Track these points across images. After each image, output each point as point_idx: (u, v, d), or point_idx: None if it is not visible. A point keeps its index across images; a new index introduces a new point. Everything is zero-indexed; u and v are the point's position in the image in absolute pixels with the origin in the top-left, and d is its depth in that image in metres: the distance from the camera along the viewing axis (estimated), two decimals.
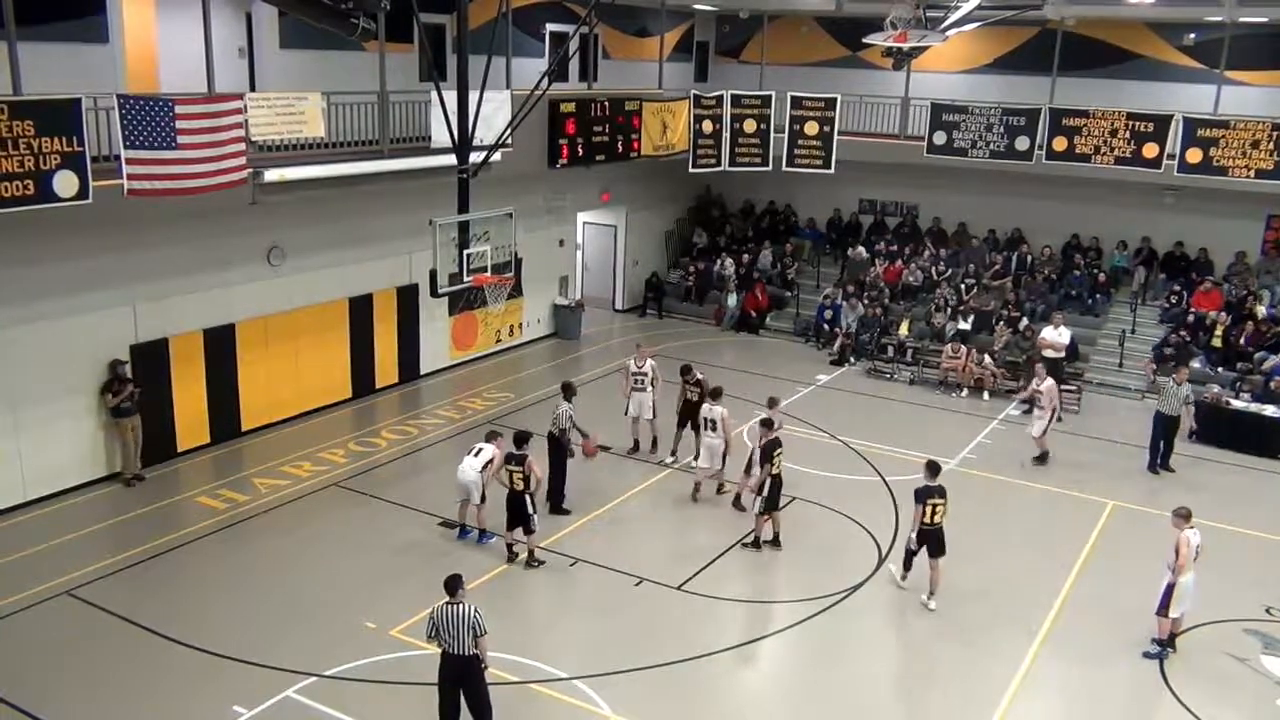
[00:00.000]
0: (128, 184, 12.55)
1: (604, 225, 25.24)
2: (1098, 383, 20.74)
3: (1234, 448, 17.67)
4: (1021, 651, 11.46)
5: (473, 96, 13.95)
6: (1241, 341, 20.07)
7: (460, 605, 9.20)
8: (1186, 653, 11.49)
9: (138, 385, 14.68)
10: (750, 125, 22.99)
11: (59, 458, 14.27)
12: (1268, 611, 12.48)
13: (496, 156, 15.48)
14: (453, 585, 9.32)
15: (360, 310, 18.40)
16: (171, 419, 15.59)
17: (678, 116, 22.50)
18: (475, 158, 14.38)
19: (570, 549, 13.39)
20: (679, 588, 12.57)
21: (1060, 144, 21.19)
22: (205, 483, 15.04)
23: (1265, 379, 18.91)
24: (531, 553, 12.97)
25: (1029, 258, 23.49)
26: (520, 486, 12.59)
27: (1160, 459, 16.81)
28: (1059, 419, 18.71)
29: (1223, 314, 20.60)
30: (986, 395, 20.05)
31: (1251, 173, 19.77)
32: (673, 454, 16.30)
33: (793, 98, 22.60)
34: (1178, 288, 21.99)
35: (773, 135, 22.92)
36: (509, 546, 13.03)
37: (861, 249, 24.74)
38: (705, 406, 14.86)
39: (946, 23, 18.21)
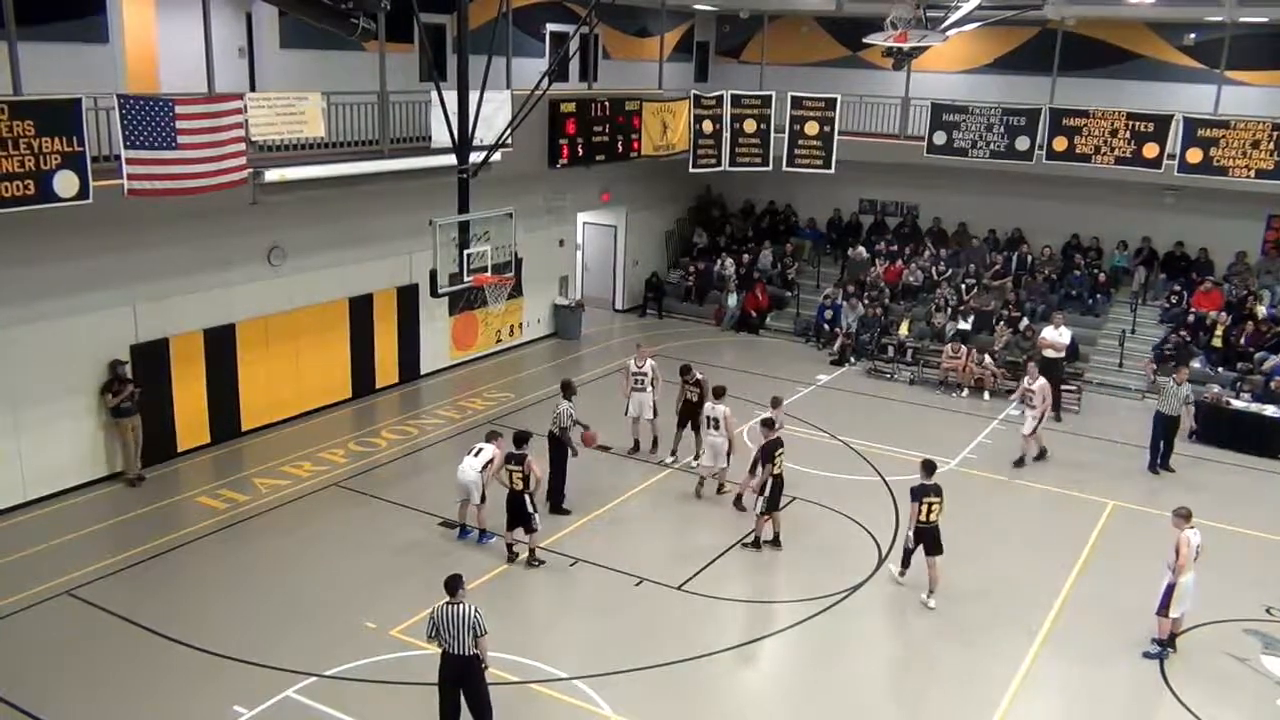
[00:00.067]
0: (128, 184, 12.55)
1: (604, 225, 25.24)
2: (1098, 383, 20.74)
3: (1234, 448, 17.67)
4: (1021, 651, 11.46)
5: (473, 96, 13.94)
6: (1242, 341, 20.07)
7: (460, 605, 9.20)
8: (1187, 653, 11.49)
9: (138, 385, 14.68)
10: (750, 125, 22.99)
11: (59, 458, 14.27)
12: (1268, 611, 12.48)
13: (496, 156, 15.48)
14: (453, 585, 9.32)
15: (360, 310, 18.40)
16: (172, 419, 15.59)
17: (678, 116, 22.50)
18: (475, 158, 14.38)
19: (570, 549, 13.39)
20: (679, 588, 12.57)
21: (1060, 144, 21.19)
22: (205, 483, 15.04)
23: (1265, 379, 18.91)
24: (532, 552, 12.97)
25: (1029, 258, 23.49)
26: (520, 486, 12.60)
27: (1160, 459, 16.81)
28: (1057, 419, 18.81)
29: (1223, 314, 20.59)
30: (987, 395, 20.05)
31: (1252, 173, 19.77)
32: (673, 454, 16.30)
33: (793, 98, 22.59)
34: (1178, 288, 21.99)
35: (773, 135, 22.91)
36: (509, 546, 13.04)
37: (862, 249, 24.74)
38: (708, 405, 14.88)
39: (947, 23, 18.20)
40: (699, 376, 15.97)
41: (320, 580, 12.48)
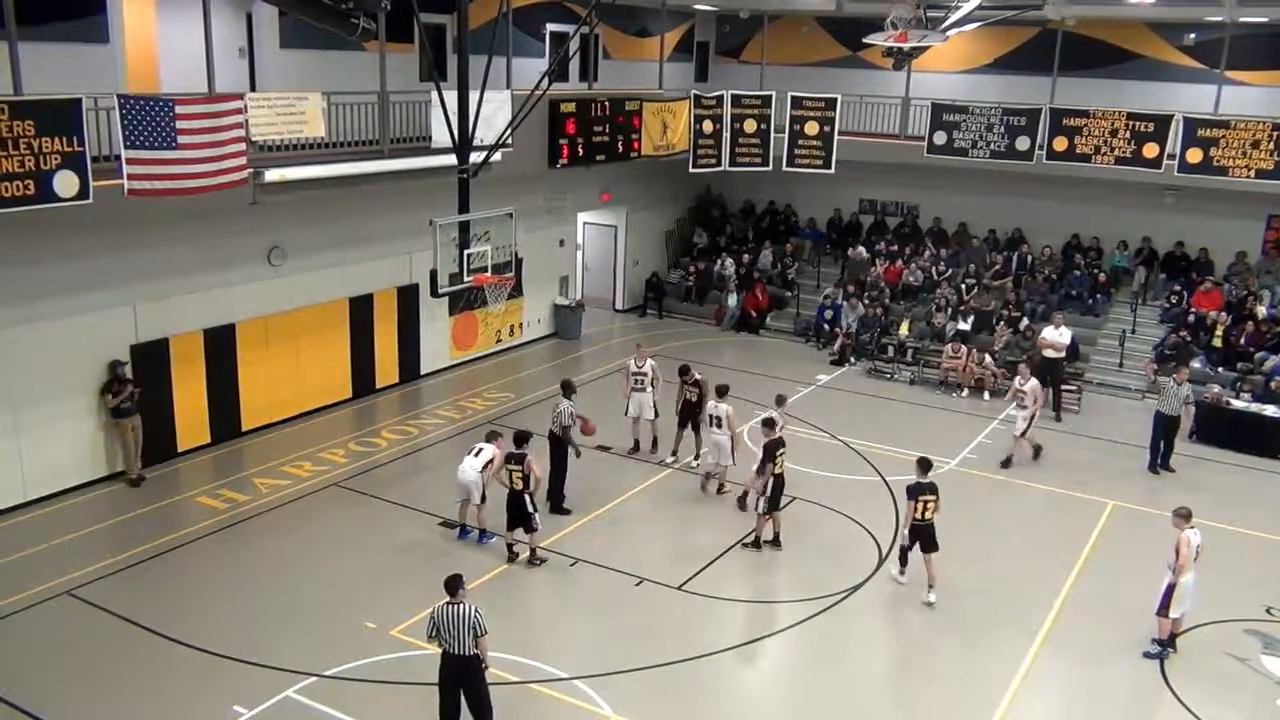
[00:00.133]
0: (128, 184, 12.55)
1: (604, 225, 25.23)
2: (1098, 383, 20.74)
3: (1234, 448, 17.66)
4: (1021, 651, 11.46)
5: (473, 96, 13.94)
6: (1242, 341, 20.07)
7: (461, 605, 9.20)
8: (1187, 653, 11.49)
9: (138, 385, 14.68)
10: (750, 125, 22.99)
11: (59, 458, 14.27)
12: (1268, 611, 12.48)
13: (497, 156, 15.48)
14: (453, 585, 9.32)
15: (361, 310, 18.40)
16: (172, 419, 15.59)
17: (678, 116, 22.50)
18: (475, 158, 14.38)
19: (570, 549, 13.39)
20: (679, 588, 12.57)
21: (1060, 144, 21.19)
22: (205, 483, 15.04)
23: (1265, 379, 18.91)
24: (533, 551, 12.97)
25: (1029, 258, 23.49)
26: (520, 486, 12.60)
27: (1160, 459, 16.81)
28: (1058, 418, 18.83)
29: (1223, 314, 20.60)
30: (987, 395, 20.05)
31: (1252, 173, 19.77)
32: (673, 454, 16.30)
33: (793, 98, 22.59)
34: (1178, 288, 21.99)
35: (773, 135, 22.91)
36: (509, 546, 13.03)
37: (862, 249, 24.74)
38: (711, 403, 14.91)
39: (947, 23, 18.20)
40: (698, 377, 15.97)
41: (320, 580, 12.48)
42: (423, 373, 19.93)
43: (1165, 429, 16.71)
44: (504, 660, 10.51)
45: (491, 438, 13.46)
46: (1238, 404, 18.37)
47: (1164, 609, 11.29)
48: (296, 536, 13.60)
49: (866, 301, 22.85)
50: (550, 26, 22.22)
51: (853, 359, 22.05)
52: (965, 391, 20.31)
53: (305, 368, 17.51)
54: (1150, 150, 20.49)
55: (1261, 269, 22.02)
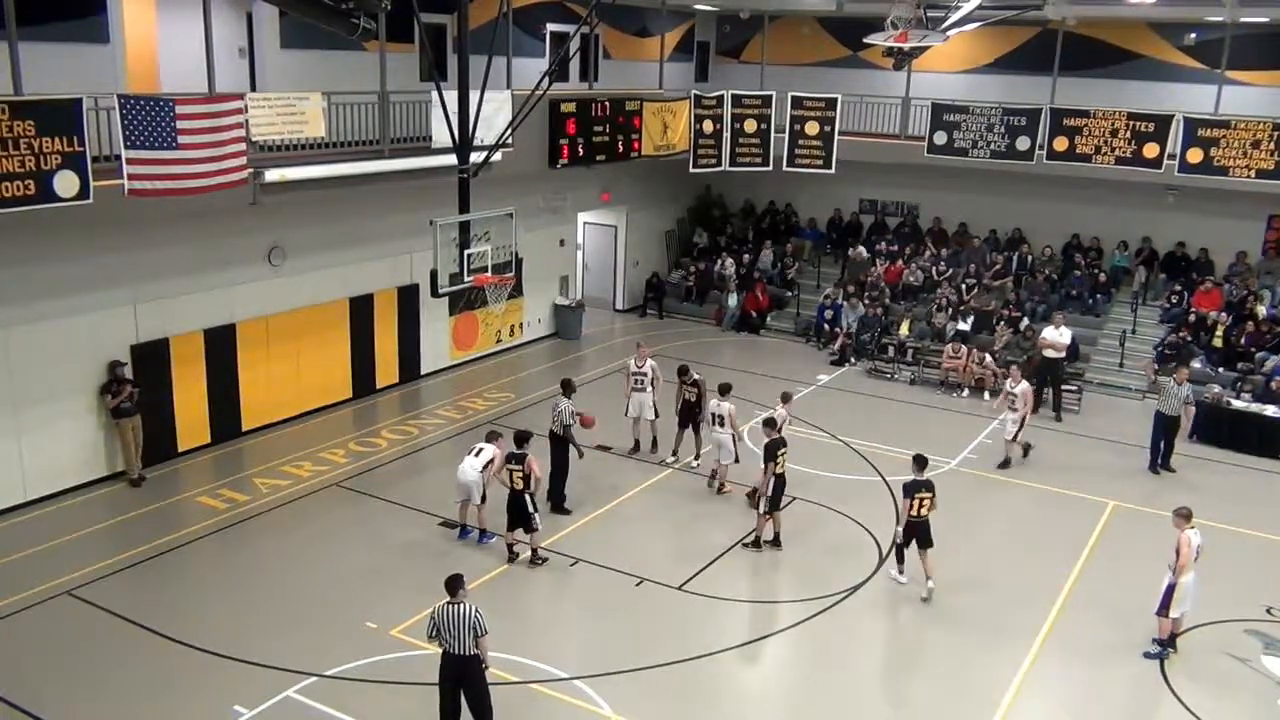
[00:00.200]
0: (128, 184, 12.55)
1: (604, 225, 25.23)
2: (1098, 383, 20.74)
3: (1234, 448, 17.67)
4: (1021, 651, 11.46)
5: (473, 96, 13.94)
6: (1242, 342, 20.07)
7: (461, 605, 9.20)
8: (1187, 653, 11.49)
9: (137, 385, 14.68)
10: (751, 125, 22.99)
11: (59, 458, 14.27)
12: (1268, 612, 12.48)
13: (497, 156, 15.48)
14: (453, 585, 9.32)
15: (361, 310, 18.40)
16: (172, 419, 15.59)
17: (678, 116, 22.50)
18: (476, 158, 14.37)
19: (570, 549, 13.39)
20: (679, 588, 12.57)
21: (1061, 144, 21.18)
22: (206, 483, 15.04)
23: (1266, 379, 18.91)
24: (535, 551, 12.97)
25: (1029, 258, 23.49)
26: (521, 486, 12.60)
27: (1161, 459, 16.80)
28: (1058, 418, 18.82)
29: (1223, 314, 20.60)
30: (987, 395, 20.03)
31: (1252, 173, 19.76)
32: (674, 454, 16.30)
33: (793, 98, 22.59)
34: (1178, 288, 21.99)
35: (773, 135, 22.91)
36: (509, 547, 13.03)
37: (862, 249, 24.73)
38: (713, 402, 14.95)
39: (947, 23, 18.21)
40: (696, 377, 15.98)
41: (320, 580, 12.48)
42: (423, 373, 19.93)
43: (1165, 429, 16.71)
44: (504, 660, 10.51)
45: (492, 438, 13.46)
46: (1238, 404, 18.37)
47: (1164, 609, 11.29)
48: (296, 536, 13.60)
49: (867, 301, 22.84)
50: (550, 26, 22.22)
51: (853, 359, 22.05)
52: (965, 391, 20.31)
53: (305, 368, 17.51)
54: (1151, 150, 20.49)
55: (1262, 269, 22.02)
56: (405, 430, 17.43)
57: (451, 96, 14.08)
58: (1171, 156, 20.34)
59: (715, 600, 12.37)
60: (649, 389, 16.20)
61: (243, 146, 13.73)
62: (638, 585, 12.59)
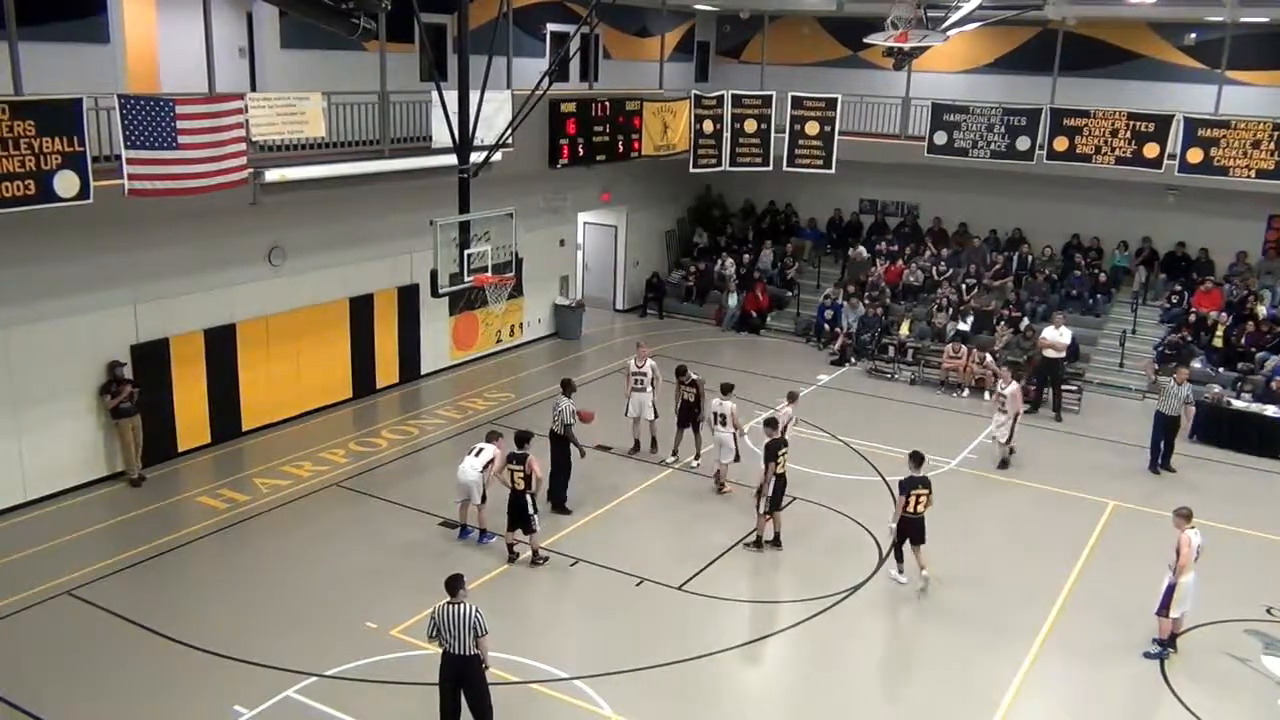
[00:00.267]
0: (128, 184, 12.55)
1: (604, 225, 25.23)
2: (1098, 383, 20.73)
3: (1234, 448, 17.67)
4: (1021, 651, 11.46)
5: (473, 96, 13.94)
6: (1242, 342, 20.07)
7: (461, 605, 9.20)
8: (1187, 653, 11.48)
9: (137, 385, 14.68)
10: (751, 125, 22.99)
11: (59, 458, 14.27)
12: (1268, 612, 12.47)
13: (497, 156, 15.47)
14: (453, 585, 9.32)
15: (361, 310, 18.40)
16: (172, 419, 15.59)
17: (678, 116, 22.50)
18: (476, 158, 14.37)
19: (570, 549, 13.39)
20: (679, 588, 12.57)
21: (1061, 144, 21.18)
22: (206, 483, 15.04)
23: (1266, 379, 18.90)
24: (535, 551, 12.97)
25: (1030, 258, 23.48)
26: (521, 486, 12.60)
27: (1161, 459, 16.80)
28: (1058, 418, 18.83)
29: (1223, 314, 20.60)
30: (987, 395, 20.02)
31: (1252, 173, 19.76)
32: (673, 454, 16.30)
33: (793, 98, 22.59)
34: (1178, 288, 21.99)
35: (773, 135, 22.90)
36: (510, 547, 13.03)
37: (862, 249, 24.73)
38: (715, 401, 14.99)
39: (947, 23, 18.20)
40: (694, 377, 15.99)
41: (320, 580, 12.48)
42: (423, 373, 19.93)
43: (1165, 429, 16.71)
44: (504, 660, 10.51)
45: (492, 438, 13.46)
46: (1238, 404, 18.37)
47: (1164, 609, 11.29)
48: (296, 536, 13.60)
49: (867, 301, 22.84)
50: (550, 26, 22.22)
51: (853, 359, 22.04)
52: (966, 391, 20.32)
53: (305, 368, 17.51)
54: (1151, 150, 20.49)
55: (1262, 269, 22.02)
56: (405, 430, 17.43)
57: (451, 96, 14.08)
58: (1171, 156, 20.34)
59: (715, 600, 12.37)
60: (649, 389, 16.20)
61: (243, 146, 13.73)
62: (638, 585, 12.59)
